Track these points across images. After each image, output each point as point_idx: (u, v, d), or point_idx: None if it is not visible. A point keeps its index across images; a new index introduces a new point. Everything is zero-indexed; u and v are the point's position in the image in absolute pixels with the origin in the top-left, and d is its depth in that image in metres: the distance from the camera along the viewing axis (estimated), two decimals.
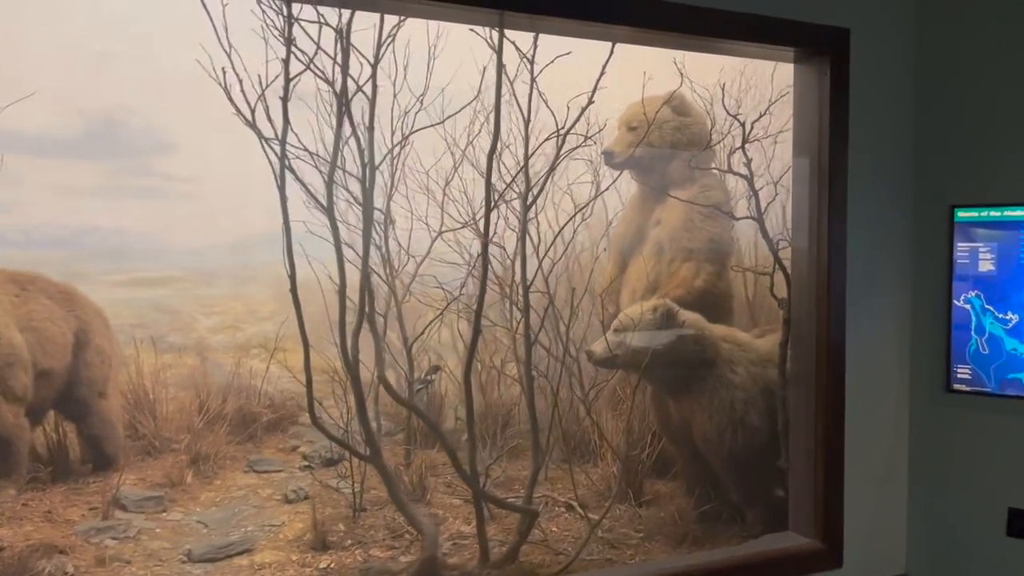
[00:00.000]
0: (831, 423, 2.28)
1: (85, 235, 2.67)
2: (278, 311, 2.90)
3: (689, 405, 2.16)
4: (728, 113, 2.34)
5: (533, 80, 1.92)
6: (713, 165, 2.45)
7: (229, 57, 1.64)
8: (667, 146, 2.43)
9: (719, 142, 2.44)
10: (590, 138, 2.08)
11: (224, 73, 1.65)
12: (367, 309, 1.84)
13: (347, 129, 1.87)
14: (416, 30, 1.98)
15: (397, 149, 1.99)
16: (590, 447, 2.40)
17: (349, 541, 2.04)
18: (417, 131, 2.01)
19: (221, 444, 2.75)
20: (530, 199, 1.99)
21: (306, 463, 2.83)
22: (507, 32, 1.89)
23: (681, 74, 2.32)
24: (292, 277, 1.74)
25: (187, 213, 2.78)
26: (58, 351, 2.29)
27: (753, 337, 2.32)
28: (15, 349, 2.05)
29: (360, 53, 1.78)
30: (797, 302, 2.36)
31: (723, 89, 2.37)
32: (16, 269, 2.39)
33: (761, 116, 2.33)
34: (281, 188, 1.58)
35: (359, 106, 1.85)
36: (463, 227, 2.11)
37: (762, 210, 2.36)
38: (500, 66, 1.88)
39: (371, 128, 1.81)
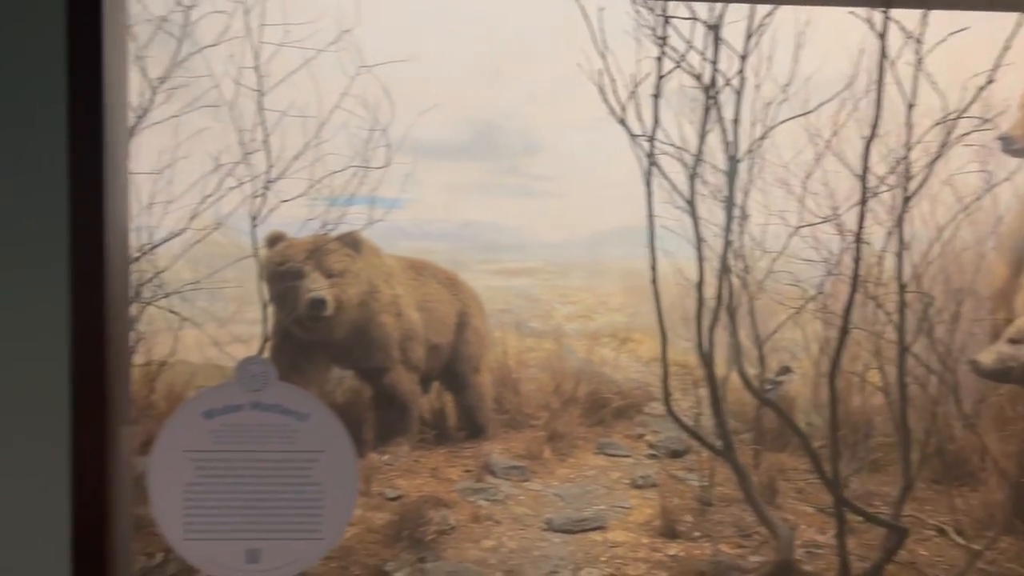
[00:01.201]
0: None
1: (465, 229, 2.95)
2: (627, 303, 3.00)
3: None
4: None
5: (919, 61, 1.76)
6: None
7: (603, 59, 1.74)
8: None
9: None
10: (989, 121, 1.85)
11: (600, 75, 1.75)
12: (725, 304, 1.83)
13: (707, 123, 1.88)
14: (783, 19, 1.92)
15: (758, 142, 1.95)
16: (967, 468, 2.14)
17: (697, 533, 2.05)
18: (782, 123, 1.95)
19: (574, 425, 2.94)
20: (909, 191, 1.83)
21: (652, 452, 2.91)
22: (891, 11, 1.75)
23: None
24: (654, 269, 1.79)
25: (549, 210, 2.94)
26: (444, 329, 2.63)
27: None
28: (414, 325, 2.39)
29: (729, 46, 1.78)
30: None
31: None
32: (413, 257, 2.78)
33: None
34: (647, 183, 1.64)
35: (723, 100, 1.84)
36: (823, 222, 2.01)
37: None
38: (883, 48, 1.75)
39: (737, 121, 1.80)
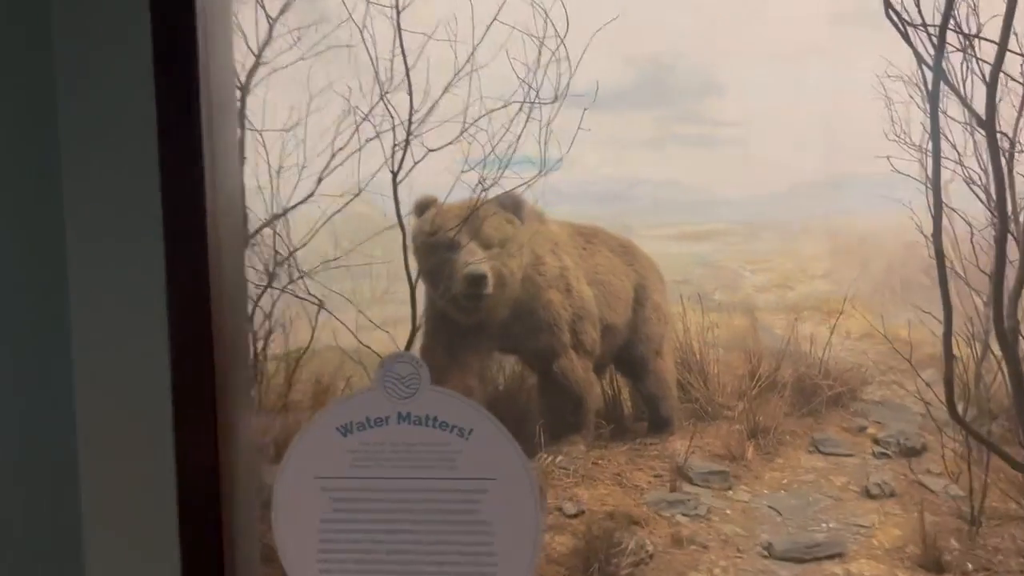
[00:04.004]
0: None
1: (634, 188, 2.55)
2: (834, 269, 2.50)
3: None
4: None
5: None
6: None
7: None
8: None
9: None
10: None
11: None
12: None
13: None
14: None
15: None
16: None
17: (970, 564, 1.56)
18: None
19: (778, 416, 2.47)
20: None
21: (882, 449, 2.41)
22: None
23: None
24: (937, 216, 1.27)
25: (735, 161, 2.50)
26: (620, 306, 2.22)
27: None
28: (585, 303, 2.00)
29: None
30: None
31: None
32: (580, 222, 2.40)
33: None
34: (933, 91, 1.13)
35: None
36: None
37: None
38: None
39: None
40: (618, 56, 2.06)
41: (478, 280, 1.58)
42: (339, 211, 1.51)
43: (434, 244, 1.66)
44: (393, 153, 1.23)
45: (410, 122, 1.22)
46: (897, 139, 2.24)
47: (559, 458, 1.85)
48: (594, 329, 2.00)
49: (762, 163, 2.35)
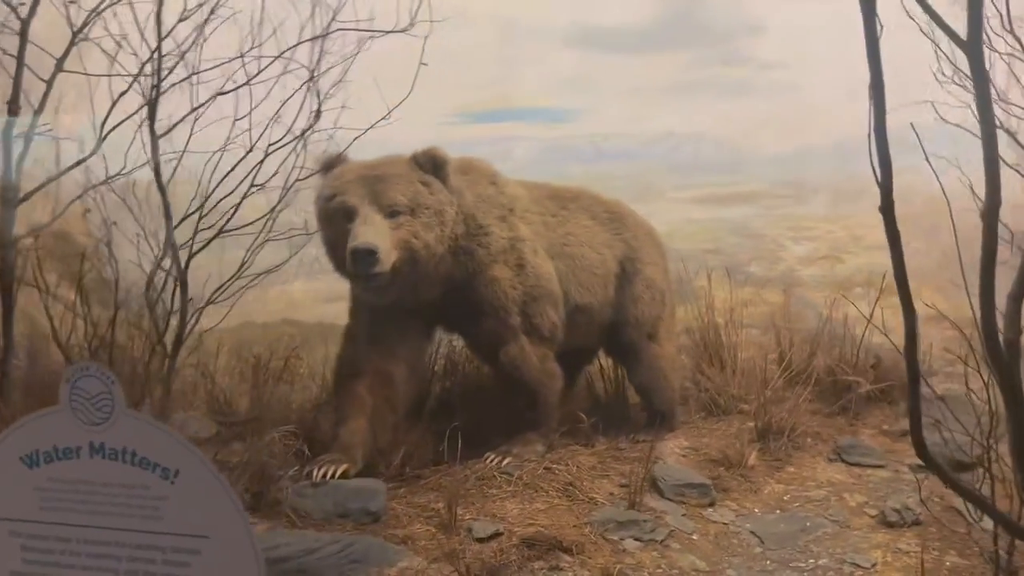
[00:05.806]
0: None
1: (657, 144, 2.21)
2: None
3: None
4: None
5: None
6: None
7: None
8: None
9: None
10: None
11: None
12: None
13: None
14: None
15: None
16: None
17: None
18: None
19: (801, 414, 2.07)
20: None
21: (921, 463, 1.97)
22: None
23: None
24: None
25: (777, 109, 2.12)
26: (596, 283, 1.86)
27: None
28: (542, 280, 1.68)
29: None
30: None
31: None
32: (561, 184, 2.07)
33: None
34: None
35: None
36: None
37: None
38: None
39: None
40: None
41: (363, 256, 1.32)
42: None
43: (332, 211, 1.42)
44: (149, 92, 0.97)
45: (159, 51, 0.96)
46: (948, 80, 1.81)
47: (506, 460, 1.58)
48: (555, 311, 1.70)
49: (808, 113, 1.98)
